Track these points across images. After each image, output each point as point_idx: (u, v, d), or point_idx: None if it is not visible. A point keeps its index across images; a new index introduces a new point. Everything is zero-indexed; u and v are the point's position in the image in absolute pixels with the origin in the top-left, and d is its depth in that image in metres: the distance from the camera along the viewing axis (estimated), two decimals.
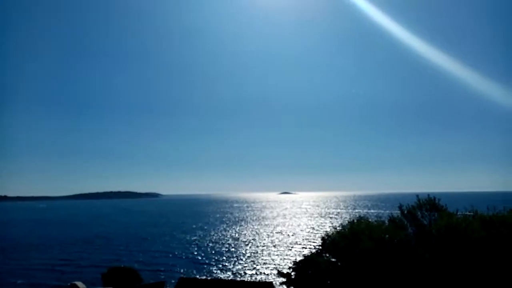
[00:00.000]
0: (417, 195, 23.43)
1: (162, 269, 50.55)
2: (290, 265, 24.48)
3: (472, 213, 22.09)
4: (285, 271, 25.19)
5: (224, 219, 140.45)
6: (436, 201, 22.65)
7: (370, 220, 24.03)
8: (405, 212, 22.91)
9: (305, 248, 63.87)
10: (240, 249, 66.86)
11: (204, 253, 63.49)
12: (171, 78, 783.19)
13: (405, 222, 22.80)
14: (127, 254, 61.99)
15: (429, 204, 22.52)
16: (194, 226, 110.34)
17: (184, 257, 59.61)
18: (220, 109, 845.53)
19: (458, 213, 21.92)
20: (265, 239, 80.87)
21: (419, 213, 22.61)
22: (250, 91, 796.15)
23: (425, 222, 22.29)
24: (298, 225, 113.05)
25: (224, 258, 58.85)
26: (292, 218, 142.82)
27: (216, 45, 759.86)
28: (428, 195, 23.17)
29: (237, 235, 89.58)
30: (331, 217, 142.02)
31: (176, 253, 63.55)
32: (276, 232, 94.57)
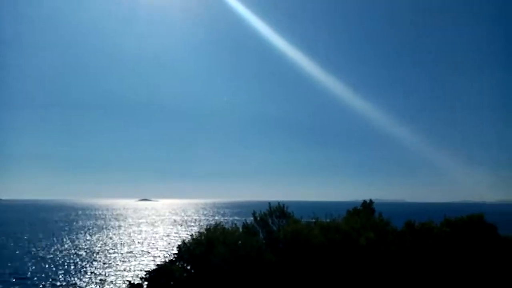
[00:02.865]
0: (269, 203, 25.08)
1: None
2: (142, 275, 23.38)
3: (314, 220, 24.65)
4: (136, 281, 23.93)
5: (72, 228, 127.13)
6: (285, 209, 24.63)
7: (226, 226, 24.68)
8: (258, 218, 24.28)
9: (161, 257, 62.17)
10: (88, 261, 61.23)
11: (45, 266, 56.12)
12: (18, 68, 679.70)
13: (257, 228, 24.14)
14: None
15: (278, 211, 24.36)
16: (36, 236, 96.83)
17: (20, 272, 51.58)
18: (71, 104, 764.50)
19: (303, 220, 24.26)
20: (118, 249, 75.93)
21: (270, 219, 24.24)
22: (108, 90, 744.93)
23: (274, 228, 24.00)
24: (156, 233, 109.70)
25: (69, 270, 53.05)
26: (150, 226, 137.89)
27: (80, 40, 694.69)
28: (279, 203, 25.07)
29: (86, 245, 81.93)
30: (190, 225, 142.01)
31: (10, 267, 54.58)
32: (131, 241, 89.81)
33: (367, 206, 27.40)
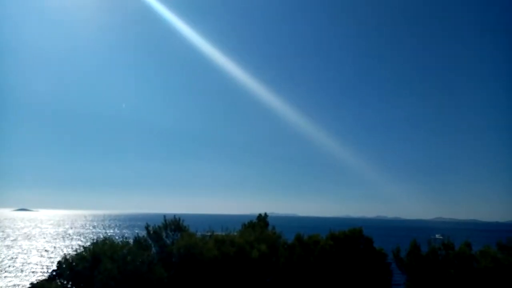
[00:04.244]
0: (165, 216, 24.29)
1: None
2: None
3: (209, 234, 24.52)
4: None
5: None
6: (181, 222, 24.07)
7: (115, 240, 23.14)
8: (151, 232, 23.30)
9: (38, 274, 55.64)
10: None
11: None
12: None
13: (150, 242, 23.14)
14: None
15: (174, 225, 23.69)
16: None
17: None
18: None
19: (198, 233, 23.96)
20: None
21: (164, 233, 23.41)
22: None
23: (168, 242, 23.24)
24: (33, 248, 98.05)
25: None
26: (27, 240, 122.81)
27: None
28: (174, 216, 24.40)
29: None
30: (74, 238, 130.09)
31: None
32: (2, 257, 78.74)
33: (262, 220, 28.25)
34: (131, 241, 23.42)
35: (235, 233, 24.94)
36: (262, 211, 28.78)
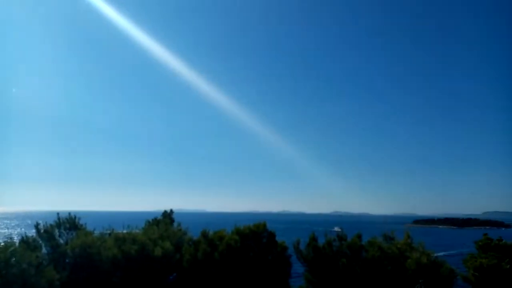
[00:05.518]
0: (58, 213, 22.36)
1: None
2: None
3: (109, 232, 23.16)
4: None
5: None
6: (77, 220, 22.38)
7: None
8: (42, 231, 21.24)
9: None
10: None
11: None
12: None
13: (40, 242, 21.10)
14: None
15: (68, 223, 21.93)
16: None
17: None
18: None
19: (96, 232, 22.51)
20: None
21: (57, 232, 21.55)
22: None
23: (62, 241, 21.46)
24: None
25: None
26: None
27: None
28: (69, 213, 22.61)
29: None
30: None
31: None
32: None
33: (167, 216, 27.51)
34: (17, 241, 21.10)
35: (138, 231, 23.94)
36: (169, 207, 28.07)
